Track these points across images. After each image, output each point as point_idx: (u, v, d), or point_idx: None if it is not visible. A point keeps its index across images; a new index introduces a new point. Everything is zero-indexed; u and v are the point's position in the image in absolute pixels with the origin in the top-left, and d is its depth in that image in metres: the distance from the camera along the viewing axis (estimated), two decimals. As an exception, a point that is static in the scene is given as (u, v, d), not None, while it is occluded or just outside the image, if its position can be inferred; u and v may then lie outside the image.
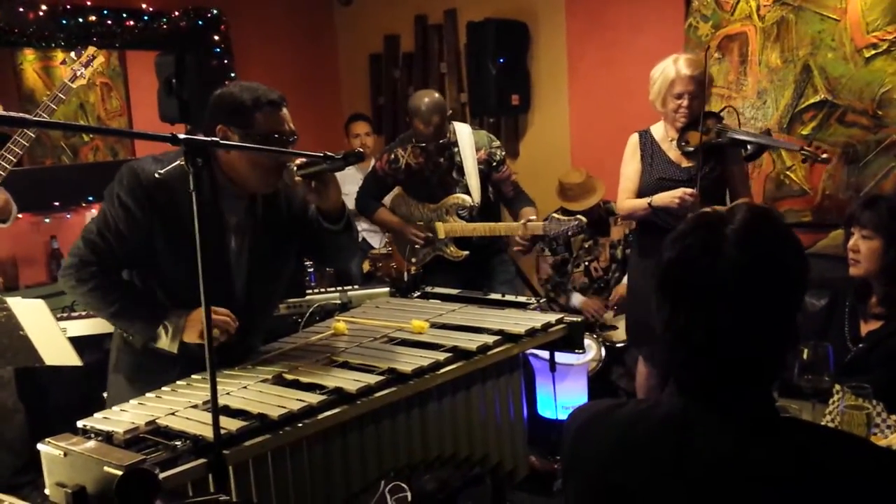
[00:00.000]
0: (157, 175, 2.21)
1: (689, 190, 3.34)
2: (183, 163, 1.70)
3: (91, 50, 3.64)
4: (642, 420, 1.34)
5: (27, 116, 1.68)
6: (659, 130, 3.61)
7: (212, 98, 2.34)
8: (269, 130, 2.26)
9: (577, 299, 4.55)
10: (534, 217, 3.75)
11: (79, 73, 3.59)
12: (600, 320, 4.49)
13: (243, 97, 2.27)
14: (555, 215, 3.69)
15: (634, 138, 3.65)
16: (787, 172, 4.44)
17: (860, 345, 2.58)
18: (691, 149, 3.41)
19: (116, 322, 2.41)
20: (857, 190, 4.19)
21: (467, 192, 3.88)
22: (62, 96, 3.52)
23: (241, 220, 2.40)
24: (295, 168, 2.25)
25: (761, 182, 4.53)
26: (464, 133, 3.92)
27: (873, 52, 4.09)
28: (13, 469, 3.52)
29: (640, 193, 3.57)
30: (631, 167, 3.62)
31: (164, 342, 2.31)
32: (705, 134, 3.41)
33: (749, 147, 3.48)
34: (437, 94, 3.82)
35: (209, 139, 1.74)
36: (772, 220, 1.31)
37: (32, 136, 3.51)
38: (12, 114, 1.56)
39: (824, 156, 3.40)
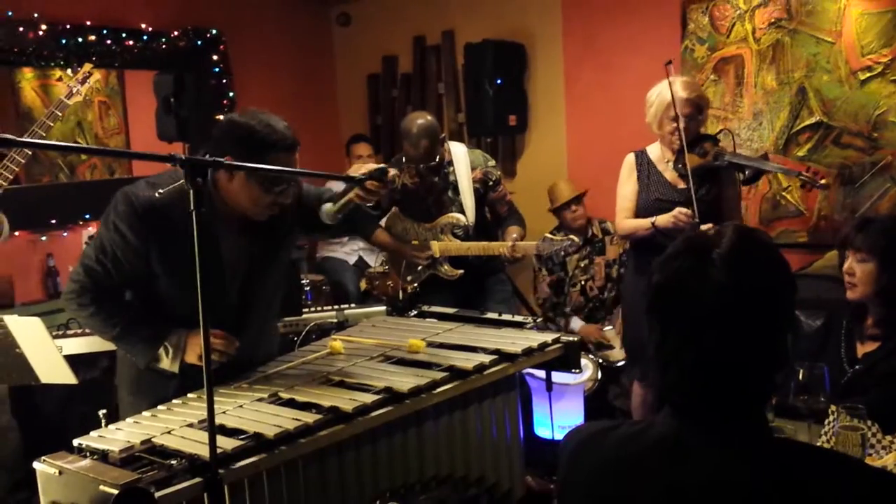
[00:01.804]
0: (157, 194, 2.22)
1: (684, 210, 3.35)
2: (177, 185, 1.71)
3: (87, 67, 3.65)
4: (637, 441, 1.34)
5: (27, 140, 1.69)
6: (655, 151, 3.62)
7: (225, 122, 2.32)
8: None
9: (576, 324, 4.56)
10: (516, 235, 3.76)
11: (75, 90, 3.60)
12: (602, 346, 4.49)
13: (261, 136, 2.24)
14: (548, 235, 3.70)
15: (630, 158, 3.66)
16: (783, 193, 4.46)
17: (857, 366, 2.58)
18: (687, 171, 3.42)
19: (119, 344, 2.43)
20: (852, 211, 4.20)
21: (462, 212, 3.89)
22: (58, 113, 3.53)
23: (235, 236, 2.40)
24: (332, 207, 2.27)
25: (757, 203, 4.55)
26: (459, 153, 3.94)
27: (868, 74, 4.12)
28: (7, 487, 3.50)
29: (638, 214, 3.58)
30: (628, 187, 3.63)
31: (166, 363, 2.33)
32: (702, 157, 3.42)
33: (747, 171, 3.48)
34: (429, 117, 3.82)
35: (211, 159, 1.75)
36: (758, 243, 1.32)
37: (28, 153, 3.52)
38: (10, 136, 1.55)
39: (823, 181, 3.39)
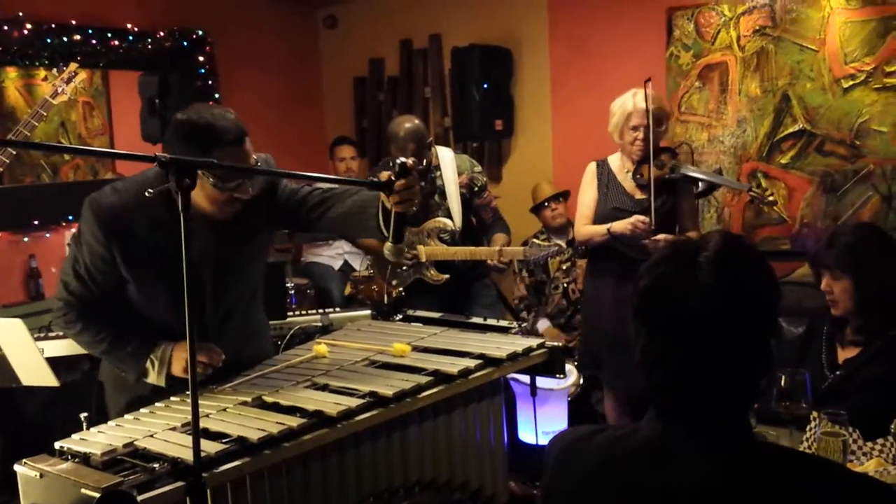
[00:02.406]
0: (147, 194, 2.16)
1: (642, 217, 3.41)
2: (165, 186, 1.68)
3: (73, 66, 3.63)
4: (621, 446, 1.35)
5: (12, 140, 1.68)
6: (616, 161, 3.68)
7: (173, 122, 2.23)
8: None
9: (542, 325, 4.60)
10: (503, 242, 3.77)
11: (60, 90, 3.58)
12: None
13: (203, 131, 2.16)
14: (535, 240, 3.72)
15: (592, 167, 3.72)
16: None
17: (837, 372, 2.60)
18: (645, 182, 3.47)
19: (108, 359, 2.41)
20: (834, 219, 4.24)
21: (449, 216, 3.89)
22: (43, 112, 3.50)
23: (202, 236, 2.35)
24: (391, 245, 2.20)
25: (740, 210, 4.58)
26: (446, 157, 3.94)
27: (851, 82, 4.15)
28: (-14, 490, 3.47)
29: (596, 222, 3.64)
30: (588, 195, 3.69)
31: (153, 376, 2.32)
32: (659, 169, 3.49)
33: (700, 184, 3.54)
34: (416, 121, 3.83)
35: (199, 160, 1.73)
36: (744, 248, 1.34)
37: (13, 153, 3.49)
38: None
39: (771, 198, 3.49)
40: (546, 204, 4.75)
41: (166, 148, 2.22)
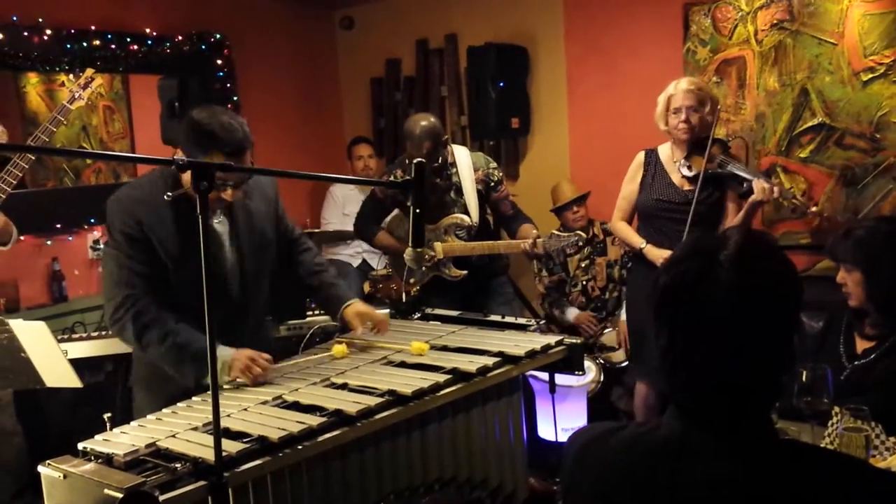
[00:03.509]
0: (166, 197, 2.24)
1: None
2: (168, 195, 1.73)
3: (89, 72, 3.66)
4: (641, 443, 1.35)
5: (32, 146, 1.70)
6: (665, 151, 3.65)
7: (187, 117, 2.34)
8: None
9: (571, 314, 4.59)
10: (535, 232, 3.78)
11: (77, 95, 3.61)
12: (595, 336, 4.49)
13: (206, 133, 2.26)
14: (555, 232, 3.71)
15: (640, 156, 3.70)
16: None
17: (856, 362, 2.59)
18: (691, 174, 3.44)
19: (166, 361, 2.40)
20: (855, 212, 4.20)
21: (465, 213, 3.89)
22: (61, 118, 3.54)
23: (229, 247, 2.47)
24: (411, 251, 2.25)
25: (760, 205, 4.54)
26: (462, 155, 3.95)
27: (871, 75, 4.12)
28: (11, 492, 3.51)
29: (638, 210, 3.66)
30: (629, 188, 3.68)
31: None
32: (709, 162, 3.43)
33: (745, 185, 3.49)
34: (432, 119, 3.83)
35: (215, 162, 1.75)
36: (765, 245, 1.33)
37: (32, 157, 3.52)
38: (14, 144, 1.57)
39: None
40: (568, 206, 4.72)
41: (179, 137, 2.33)
